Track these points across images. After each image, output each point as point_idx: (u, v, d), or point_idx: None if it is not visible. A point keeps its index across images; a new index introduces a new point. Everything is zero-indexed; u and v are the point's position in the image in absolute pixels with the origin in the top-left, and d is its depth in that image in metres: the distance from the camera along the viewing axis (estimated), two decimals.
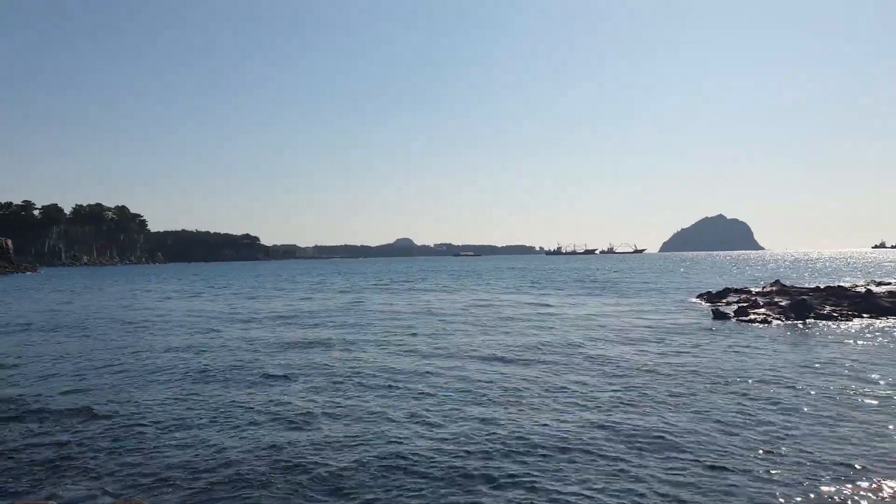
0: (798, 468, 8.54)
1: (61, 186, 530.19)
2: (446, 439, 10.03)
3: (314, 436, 10.35)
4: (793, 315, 25.42)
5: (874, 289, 35.65)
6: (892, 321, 24.00)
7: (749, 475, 8.30)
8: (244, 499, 7.87)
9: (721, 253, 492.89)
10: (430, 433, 10.39)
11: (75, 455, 9.63)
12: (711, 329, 23.39)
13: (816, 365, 15.75)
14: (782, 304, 28.75)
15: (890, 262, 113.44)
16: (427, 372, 15.74)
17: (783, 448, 9.33)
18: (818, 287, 36.57)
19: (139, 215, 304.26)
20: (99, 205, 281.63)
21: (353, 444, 9.90)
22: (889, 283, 44.77)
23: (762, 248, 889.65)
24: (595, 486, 8.03)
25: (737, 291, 37.77)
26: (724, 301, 33.56)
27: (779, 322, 24.52)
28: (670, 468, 8.61)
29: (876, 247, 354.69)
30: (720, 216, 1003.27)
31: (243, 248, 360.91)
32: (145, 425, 11.17)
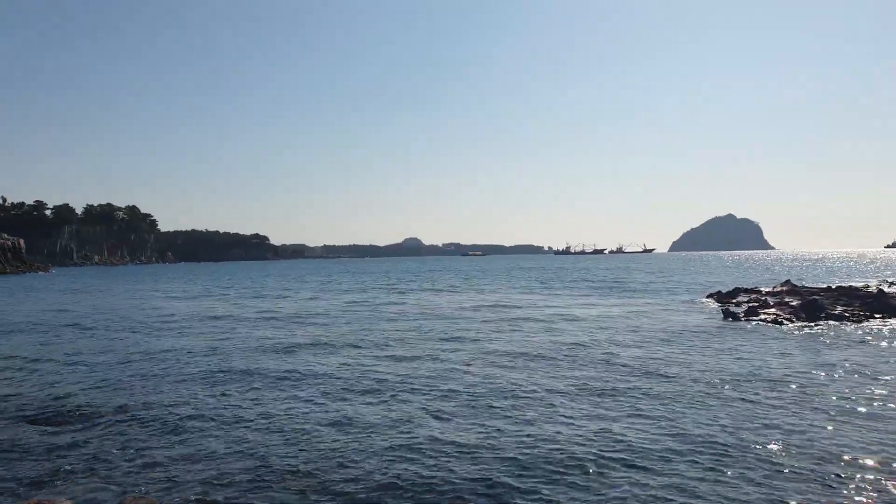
0: (808, 471, 8.47)
1: (72, 187, 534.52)
2: (466, 445, 10.02)
3: (324, 437, 10.37)
4: (804, 315, 25.22)
5: (886, 289, 35.36)
6: None
7: (761, 478, 8.25)
8: (255, 498, 7.90)
9: (730, 252, 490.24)
10: (445, 438, 10.39)
11: (87, 453, 9.70)
12: (721, 329, 23.25)
13: (828, 366, 15.62)
14: (793, 304, 28.55)
15: None
16: (435, 374, 15.74)
17: (794, 450, 9.26)
18: (829, 287, 36.31)
19: (149, 215, 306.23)
20: (109, 205, 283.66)
21: (361, 446, 9.92)
22: None
23: (772, 248, 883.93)
24: (611, 494, 8.01)
25: (747, 291, 37.55)
26: (734, 301, 33.36)
27: (789, 322, 24.33)
28: (675, 470, 8.56)
29: (889, 246, 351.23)
30: (730, 216, 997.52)
31: (252, 248, 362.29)
32: (155, 425, 11.24)
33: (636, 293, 44.43)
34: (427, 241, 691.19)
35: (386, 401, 12.75)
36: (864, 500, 7.56)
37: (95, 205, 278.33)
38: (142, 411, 12.19)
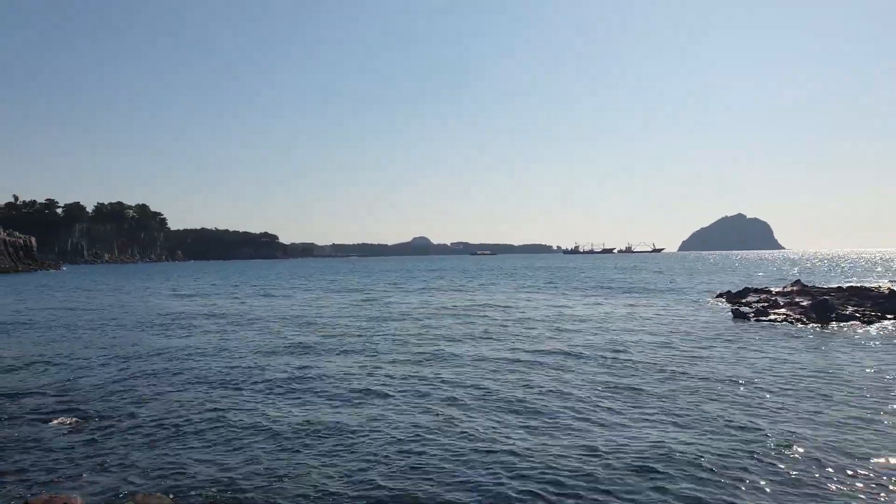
0: (817, 475, 8.43)
1: (83, 185, 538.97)
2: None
3: (337, 437, 10.42)
4: (814, 316, 25.05)
5: None
6: None
7: (772, 480, 8.23)
8: (268, 497, 7.95)
9: (741, 252, 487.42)
10: (450, 441, 10.41)
11: (98, 450, 9.80)
12: (731, 329, 23.14)
13: (838, 368, 15.52)
14: (803, 304, 28.37)
15: None
16: (442, 377, 15.76)
17: (802, 453, 9.22)
18: (840, 287, 36.05)
19: (159, 213, 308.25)
20: (120, 203, 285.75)
21: (378, 448, 9.96)
22: None
23: (783, 248, 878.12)
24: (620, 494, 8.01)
25: (757, 291, 37.34)
26: (743, 301, 33.19)
27: (800, 323, 24.18)
28: (685, 473, 8.55)
29: None
30: (740, 215, 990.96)
31: (262, 247, 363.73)
32: (167, 423, 11.32)
33: (644, 293, 44.28)
34: (435, 241, 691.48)
35: (398, 403, 12.78)
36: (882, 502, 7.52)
37: (106, 203, 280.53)
38: (154, 410, 12.29)
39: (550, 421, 10.97)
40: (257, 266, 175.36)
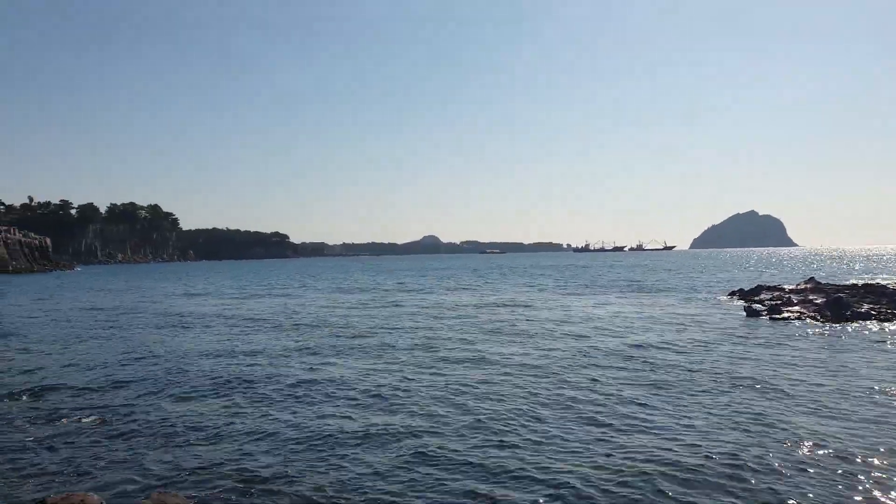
0: (830, 477, 8.39)
1: (96, 186, 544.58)
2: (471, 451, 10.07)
3: (351, 439, 10.48)
4: (828, 314, 24.81)
5: None
6: None
7: (784, 480, 8.20)
8: (285, 497, 8.01)
9: (753, 249, 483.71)
10: (452, 443, 10.45)
11: (115, 448, 9.90)
12: (744, 328, 23.00)
13: (853, 367, 15.39)
14: (817, 301, 28.14)
15: None
16: (450, 379, 15.79)
17: (819, 452, 9.17)
18: (855, 284, 35.72)
19: (171, 214, 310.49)
20: (132, 204, 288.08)
21: (392, 450, 10.01)
22: None
23: (795, 245, 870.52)
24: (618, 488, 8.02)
25: (770, 289, 37.07)
26: (756, 298, 32.96)
27: (814, 321, 23.99)
28: (695, 469, 8.54)
29: None
30: (752, 212, 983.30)
31: (273, 246, 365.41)
32: (183, 422, 11.42)
33: (656, 291, 44.09)
34: (445, 240, 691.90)
35: (410, 407, 12.81)
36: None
37: (118, 204, 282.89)
38: (171, 409, 12.40)
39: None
40: (269, 266, 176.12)
